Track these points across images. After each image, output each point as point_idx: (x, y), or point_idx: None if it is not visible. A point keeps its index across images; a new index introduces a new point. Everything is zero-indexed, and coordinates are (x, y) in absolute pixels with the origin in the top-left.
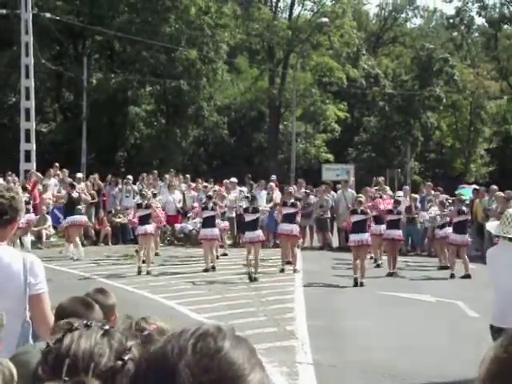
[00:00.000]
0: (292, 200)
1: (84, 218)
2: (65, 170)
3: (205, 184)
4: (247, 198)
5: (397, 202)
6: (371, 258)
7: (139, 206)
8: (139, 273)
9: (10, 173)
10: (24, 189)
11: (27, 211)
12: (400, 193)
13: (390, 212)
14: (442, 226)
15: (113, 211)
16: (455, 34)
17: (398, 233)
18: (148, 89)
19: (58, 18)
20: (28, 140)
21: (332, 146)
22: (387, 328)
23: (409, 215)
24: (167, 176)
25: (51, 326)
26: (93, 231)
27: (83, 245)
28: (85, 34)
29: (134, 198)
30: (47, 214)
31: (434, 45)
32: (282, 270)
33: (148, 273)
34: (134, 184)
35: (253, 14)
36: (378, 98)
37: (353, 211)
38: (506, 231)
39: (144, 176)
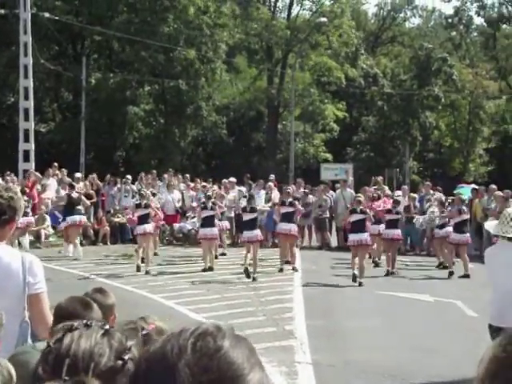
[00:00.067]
0: (290, 199)
1: (83, 219)
2: (63, 169)
3: (203, 184)
4: (245, 197)
5: (396, 202)
6: (370, 257)
7: (138, 205)
8: (138, 269)
9: (8, 173)
10: (23, 192)
11: (26, 214)
12: (399, 192)
13: (388, 212)
14: (442, 226)
15: (111, 211)
16: (454, 33)
17: (396, 232)
18: (147, 88)
19: (56, 17)
20: (27, 140)
21: (330, 145)
22: (386, 328)
23: (407, 215)
24: (166, 176)
25: (50, 325)
26: (92, 231)
27: (82, 244)
28: (84, 33)
29: (132, 198)
30: (46, 213)
31: (432, 44)
32: (281, 270)
33: (147, 272)
34: (133, 184)
35: (251, 13)
36: (376, 98)
37: (352, 211)
38: (505, 231)
39: (142, 176)
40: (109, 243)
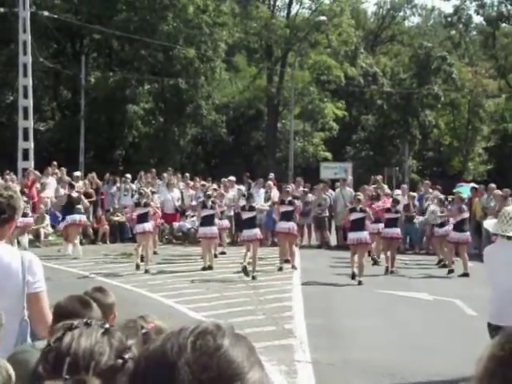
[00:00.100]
0: (290, 198)
1: (83, 218)
2: (63, 168)
3: (203, 182)
4: (244, 196)
5: (395, 201)
6: (369, 254)
7: (137, 204)
8: (137, 267)
9: (8, 171)
10: (22, 192)
11: (25, 215)
12: (398, 191)
13: (388, 210)
14: (442, 225)
15: (111, 210)
16: (453, 32)
17: (396, 231)
18: (146, 87)
19: (55, 16)
20: (26, 138)
21: (330, 144)
22: (386, 326)
23: (407, 214)
24: (165, 175)
25: (49, 324)
26: (91, 230)
27: (81, 243)
28: (83, 32)
29: (132, 197)
30: (45, 212)
31: (432, 43)
32: (281, 269)
33: (146, 271)
34: (133, 182)
35: (251, 12)
36: (376, 97)
37: (351, 209)
38: (504, 229)
39: (142, 174)
40: (108, 242)
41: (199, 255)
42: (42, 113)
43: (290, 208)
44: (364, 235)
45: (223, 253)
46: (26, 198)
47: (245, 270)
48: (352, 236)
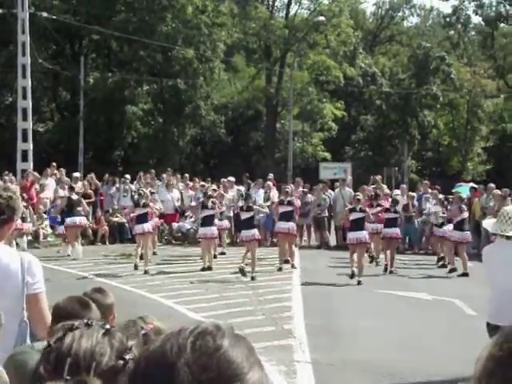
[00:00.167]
0: (289, 198)
1: (83, 220)
2: (62, 169)
3: (202, 183)
4: (241, 196)
5: (394, 201)
6: (369, 255)
7: (136, 205)
8: (136, 267)
9: (7, 172)
10: (22, 197)
11: (23, 219)
12: (397, 191)
13: (387, 210)
14: (441, 225)
15: (110, 210)
16: (452, 32)
17: (395, 231)
18: (145, 88)
19: (54, 17)
20: (25, 140)
21: (329, 144)
22: (385, 326)
23: (406, 214)
24: (165, 175)
25: (48, 325)
26: (90, 231)
27: (81, 244)
28: (81, 33)
29: (131, 198)
30: (44, 213)
31: (430, 43)
32: (280, 269)
33: (146, 272)
34: (132, 183)
35: (250, 12)
36: (374, 97)
37: (351, 209)
38: (504, 229)
39: (141, 175)
40: (107, 243)
41: (198, 256)
42: (41, 114)
43: (290, 208)
44: (363, 235)
45: (223, 253)
46: (25, 203)
47: (242, 271)
48: (351, 236)
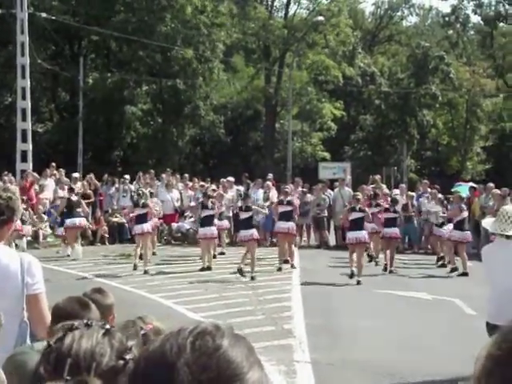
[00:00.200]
0: (288, 198)
1: (83, 221)
2: (61, 169)
3: (201, 183)
4: (240, 195)
5: (393, 201)
6: (368, 254)
7: (136, 205)
8: (135, 267)
9: (6, 173)
10: (22, 200)
11: (23, 222)
12: (396, 191)
13: (386, 210)
14: (441, 224)
15: (109, 211)
16: (451, 32)
17: (395, 231)
18: (144, 88)
19: (53, 17)
20: (24, 140)
21: (328, 144)
22: (385, 326)
23: (405, 213)
24: (164, 175)
25: (48, 325)
26: (90, 231)
27: (81, 245)
28: (81, 33)
29: (131, 198)
30: (44, 213)
31: (429, 43)
32: (280, 269)
33: (145, 272)
34: (131, 183)
35: (249, 13)
36: (374, 97)
37: (351, 209)
38: (503, 229)
39: (140, 175)
40: (107, 243)
41: (198, 256)
42: (41, 114)
43: (289, 208)
44: (363, 234)
45: (222, 253)
46: (24, 206)
47: (240, 271)
48: (351, 235)
